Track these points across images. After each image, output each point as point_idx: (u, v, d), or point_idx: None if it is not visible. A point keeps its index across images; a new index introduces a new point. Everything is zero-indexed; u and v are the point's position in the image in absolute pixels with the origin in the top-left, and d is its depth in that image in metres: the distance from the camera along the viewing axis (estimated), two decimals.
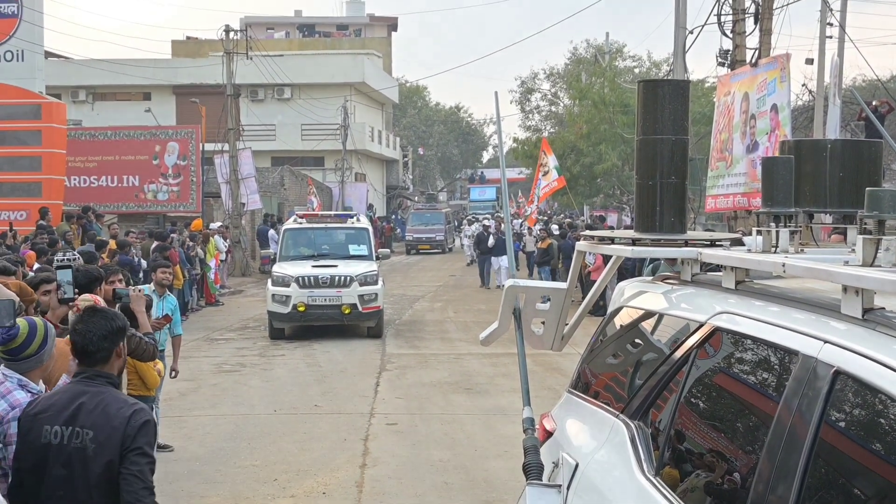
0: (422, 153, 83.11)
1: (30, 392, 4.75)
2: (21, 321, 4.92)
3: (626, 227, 32.54)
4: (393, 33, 78.07)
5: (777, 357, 3.48)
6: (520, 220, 41.27)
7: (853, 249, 3.84)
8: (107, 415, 4.35)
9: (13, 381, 4.76)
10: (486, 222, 38.67)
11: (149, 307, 7.50)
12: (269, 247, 32.03)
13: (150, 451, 4.38)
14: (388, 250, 29.98)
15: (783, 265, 3.61)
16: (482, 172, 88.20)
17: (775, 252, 4.14)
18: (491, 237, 31.35)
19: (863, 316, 3.01)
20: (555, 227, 31.01)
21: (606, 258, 19.36)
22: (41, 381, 5.02)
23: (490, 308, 23.65)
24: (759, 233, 4.29)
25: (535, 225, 32.73)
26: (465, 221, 54.97)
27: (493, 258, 31.06)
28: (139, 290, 7.37)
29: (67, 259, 13.44)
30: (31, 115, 25.85)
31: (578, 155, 38.27)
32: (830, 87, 18.79)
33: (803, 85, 28.23)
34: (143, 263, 20.72)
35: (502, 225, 30.45)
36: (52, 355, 4.96)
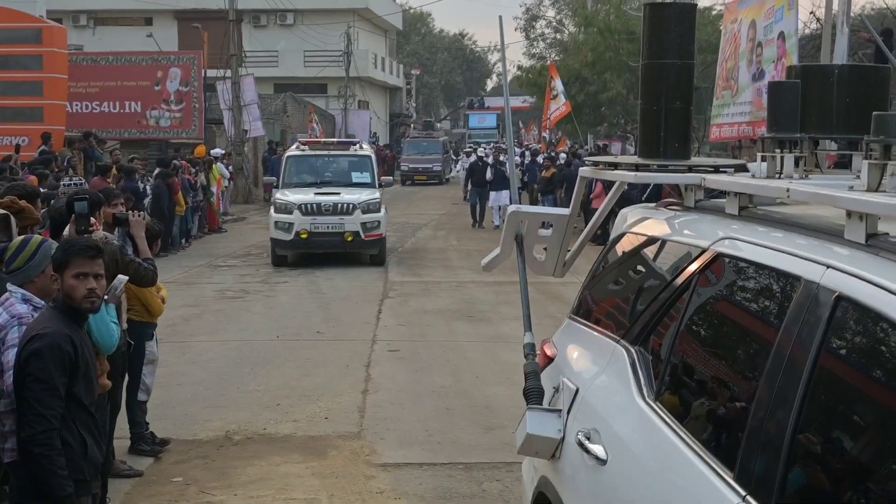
0: (416, 73, 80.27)
1: (33, 306, 4.84)
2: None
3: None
4: None
5: (779, 283, 3.46)
6: (520, 150, 40.54)
7: (858, 175, 3.80)
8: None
9: (17, 296, 4.91)
10: (479, 152, 36.23)
11: (151, 233, 7.45)
12: None
13: (43, 376, 4.46)
14: (391, 178, 29.80)
15: (787, 190, 3.58)
16: (482, 97, 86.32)
17: (780, 178, 4.10)
18: (489, 169, 28.10)
19: (866, 241, 2.98)
20: (562, 155, 30.32)
21: (607, 186, 19.20)
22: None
23: (492, 237, 23.63)
24: (763, 159, 4.25)
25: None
26: (462, 154, 52.50)
27: (492, 193, 27.67)
28: (139, 215, 7.32)
29: (74, 184, 13.46)
30: (31, 39, 25.61)
31: (583, 83, 37.92)
32: (839, 14, 18.53)
33: (811, 13, 27.81)
34: (149, 190, 20.74)
35: (502, 156, 28.88)
36: (47, 274, 4.92)
